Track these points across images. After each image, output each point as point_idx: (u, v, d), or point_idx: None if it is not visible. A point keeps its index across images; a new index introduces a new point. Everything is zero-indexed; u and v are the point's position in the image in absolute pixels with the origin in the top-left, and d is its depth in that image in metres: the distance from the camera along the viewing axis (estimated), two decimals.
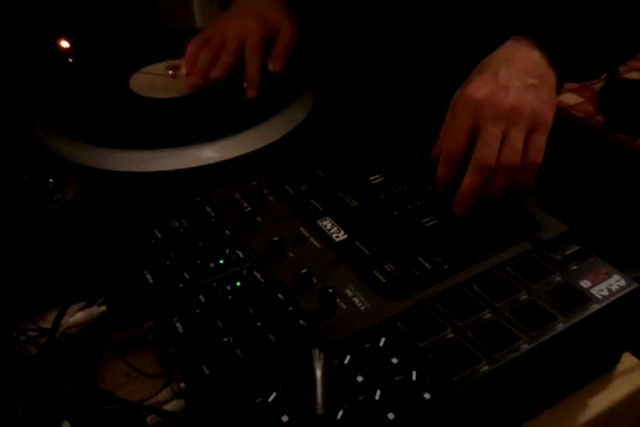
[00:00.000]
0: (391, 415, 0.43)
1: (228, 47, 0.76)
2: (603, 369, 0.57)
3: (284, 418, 0.43)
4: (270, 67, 0.78)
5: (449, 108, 0.61)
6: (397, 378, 0.45)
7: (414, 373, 0.45)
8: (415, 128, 0.73)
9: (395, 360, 0.46)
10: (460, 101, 0.59)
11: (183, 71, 0.79)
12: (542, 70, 0.60)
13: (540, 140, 0.58)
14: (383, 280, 0.53)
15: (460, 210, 0.59)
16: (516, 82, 0.58)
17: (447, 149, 0.59)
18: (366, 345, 0.47)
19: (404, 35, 0.85)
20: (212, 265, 0.55)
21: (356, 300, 0.51)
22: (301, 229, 0.59)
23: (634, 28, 0.65)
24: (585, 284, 0.52)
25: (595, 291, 0.51)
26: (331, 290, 0.50)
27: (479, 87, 0.59)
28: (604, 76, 1.64)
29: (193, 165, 0.69)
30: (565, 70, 0.61)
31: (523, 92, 0.58)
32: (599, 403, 0.55)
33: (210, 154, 0.70)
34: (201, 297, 0.52)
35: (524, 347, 0.47)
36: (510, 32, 0.64)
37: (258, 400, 0.44)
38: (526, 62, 0.60)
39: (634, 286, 0.51)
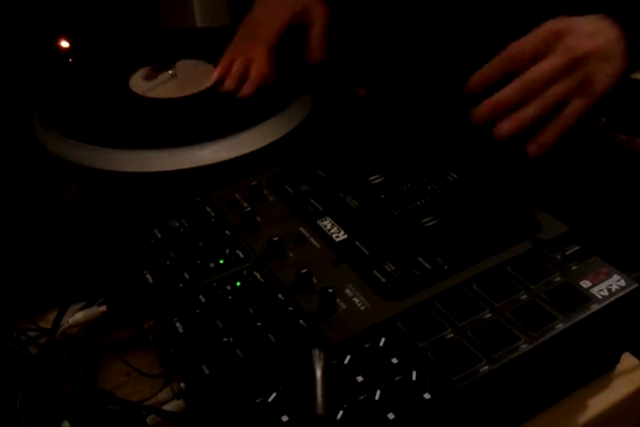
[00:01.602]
0: (391, 415, 0.43)
1: (256, 57, 0.75)
2: (603, 369, 0.57)
3: (284, 418, 0.43)
4: (311, 59, 0.77)
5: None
6: (397, 378, 0.45)
7: (414, 373, 0.45)
8: (415, 128, 0.73)
9: (395, 360, 0.46)
10: (548, 22, 0.58)
11: (214, 77, 0.77)
12: (620, 50, 0.59)
13: (580, 106, 0.57)
14: (383, 280, 0.53)
15: (477, 114, 0.57)
16: (601, 45, 0.57)
17: (509, 50, 0.57)
18: (366, 345, 0.47)
19: (405, 35, 0.85)
20: (212, 265, 0.55)
21: (356, 300, 0.51)
22: (301, 229, 0.59)
23: None
24: (585, 284, 0.52)
25: (595, 291, 0.51)
26: (331, 290, 0.50)
27: (572, 19, 0.58)
28: None
29: (193, 165, 0.69)
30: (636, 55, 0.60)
31: (600, 55, 0.57)
32: (599, 403, 0.55)
33: (210, 154, 0.70)
34: (201, 297, 0.52)
35: (524, 347, 0.47)
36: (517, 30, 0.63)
37: (258, 400, 0.44)
38: (611, 35, 0.59)
39: (634, 286, 0.51)
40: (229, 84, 0.75)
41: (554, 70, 0.56)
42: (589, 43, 0.57)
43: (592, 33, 0.58)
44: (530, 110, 0.57)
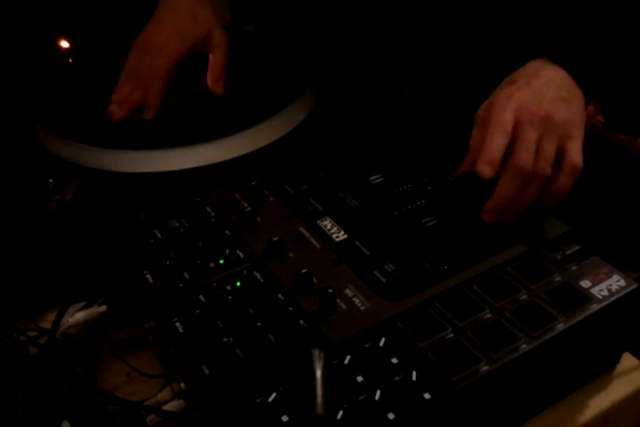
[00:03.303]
0: (391, 415, 0.43)
1: (137, 86, 0.71)
2: (603, 369, 0.57)
3: (284, 418, 0.43)
4: (212, 89, 0.74)
5: (478, 119, 0.59)
6: (397, 378, 0.45)
7: (414, 373, 0.45)
8: (415, 128, 0.73)
9: (395, 360, 0.46)
10: (497, 101, 0.58)
11: (111, 110, 0.72)
12: (570, 85, 0.60)
13: (577, 145, 0.57)
14: (383, 280, 0.53)
15: (490, 216, 0.57)
16: (549, 92, 0.58)
17: (497, 120, 0.56)
18: (366, 345, 0.47)
19: (405, 34, 0.85)
20: (212, 265, 0.55)
21: (356, 300, 0.51)
22: (301, 229, 0.59)
23: None
24: (585, 284, 0.52)
25: (595, 291, 0.51)
26: (331, 290, 0.50)
27: (517, 90, 0.58)
28: None
29: (193, 165, 0.69)
30: (590, 89, 0.61)
31: (555, 102, 0.57)
32: (599, 403, 0.55)
33: (210, 154, 0.70)
34: (201, 297, 0.52)
35: (524, 347, 0.47)
36: (511, 40, 0.63)
37: (258, 400, 0.44)
38: (555, 77, 0.60)
39: (634, 286, 0.51)
40: (123, 113, 0.71)
41: (534, 145, 0.56)
42: (544, 102, 0.57)
43: (541, 89, 0.58)
44: (530, 195, 0.57)
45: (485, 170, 0.55)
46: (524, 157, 0.55)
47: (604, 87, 0.63)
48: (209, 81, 0.74)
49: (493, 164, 0.55)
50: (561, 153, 0.57)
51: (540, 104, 0.57)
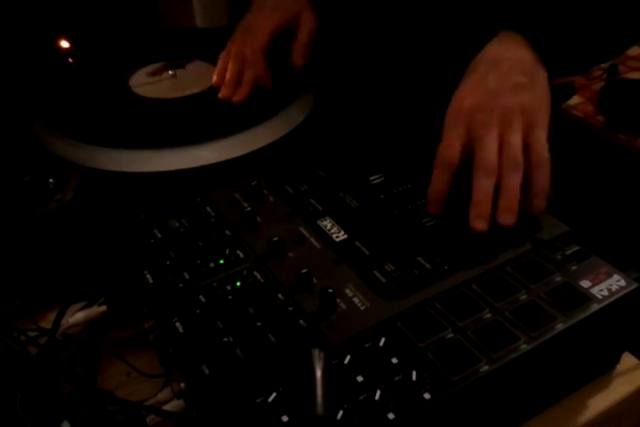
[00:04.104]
0: (391, 415, 0.43)
1: (248, 60, 0.76)
2: (603, 369, 0.57)
3: (284, 418, 0.43)
4: (292, 62, 0.79)
5: (444, 121, 0.59)
6: (397, 378, 0.45)
7: (414, 373, 0.45)
8: (415, 128, 0.73)
9: (395, 360, 0.46)
10: (451, 112, 0.59)
11: (214, 82, 0.78)
12: (531, 67, 0.59)
13: (539, 135, 0.57)
14: (383, 280, 0.53)
15: (479, 224, 0.55)
16: (505, 83, 0.58)
17: (441, 156, 0.57)
18: (366, 345, 0.47)
19: (404, 34, 0.85)
20: (212, 265, 0.55)
21: (356, 300, 0.51)
22: (301, 229, 0.59)
23: (623, 20, 0.63)
24: (585, 284, 0.52)
25: (595, 291, 0.51)
26: (331, 290, 0.50)
27: (468, 94, 0.58)
28: (604, 75, 1.64)
29: (193, 165, 0.69)
30: (554, 64, 0.61)
31: (513, 92, 0.57)
32: (599, 403, 0.55)
33: (210, 154, 0.70)
34: (201, 297, 0.52)
35: (524, 347, 0.47)
36: (497, 27, 0.63)
37: (258, 400, 0.44)
38: (514, 61, 0.59)
39: (634, 286, 0.51)
40: (224, 92, 0.76)
41: (494, 142, 0.56)
42: (500, 96, 0.57)
43: (497, 80, 0.58)
44: (512, 188, 0.56)
45: (438, 178, 0.57)
46: (485, 155, 0.55)
47: (568, 60, 0.62)
48: (291, 55, 0.79)
49: (447, 172, 0.57)
50: (526, 145, 0.56)
51: (496, 98, 0.57)
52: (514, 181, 0.55)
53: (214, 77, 0.77)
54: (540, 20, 0.61)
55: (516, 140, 0.56)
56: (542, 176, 0.56)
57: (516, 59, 0.60)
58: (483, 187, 0.55)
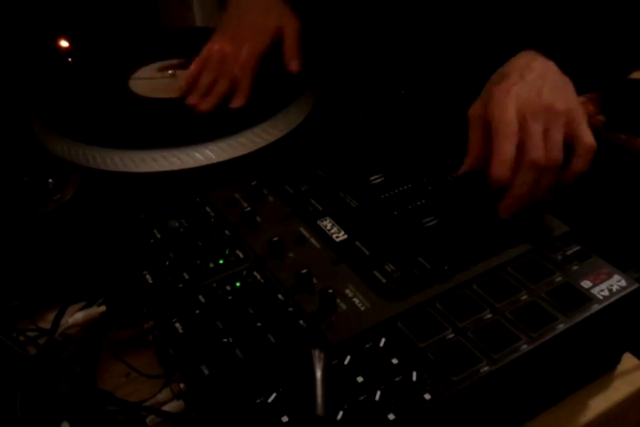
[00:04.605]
0: (391, 416, 0.43)
1: (223, 75, 0.75)
2: (603, 370, 0.57)
3: (284, 418, 0.43)
4: (288, 69, 0.79)
5: (475, 119, 0.59)
6: (398, 378, 0.45)
7: (414, 373, 0.45)
8: (415, 128, 0.73)
9: (395, 361, 0.46)
10: (495, 99, 0.58)
11: (181, 88, 0.76)
12: (560, 74, 0.61)
13: (585, 127, 0.58)
14: (383, 280, 0.53)
15: (508, 213, 0.57)
16: (545, 84, 0.59)
17: (502, 153, 0.56)
18: (366, 346, 0.47)
19: (404, 35, 0.85)
20: (211, 265, 0.55)
21: (356, 300, 0.51)
22: (301, 229, 0.59)
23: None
24: (586, 284, 0.51)
25: (595, 291, 0.51)
26: (331, 290, 0.50)
27: (513, 84, 0.59)
28: None
29: (193, 165, 0.69)
30: (578, 80, 0.61)
31: (554, 92, 0.58)
32: (600, 403, 0.55)
33: (210, 154, 0.70)
34: (201, 297, 0.52)
35: (525, 347, 0.47)
36: (512, 38, 0.64)
37: (258, 401, 0.44)
38: (545, 69, 0.61)
39: (634, 286, 0.51)
40: (193, 100, 0.74)
41: (542, 137, 0.57)
42: (543, 92, 0.58)
43: (536, 80, 0.59)
44: (546, 186, 0.58)
45: (501, 173, 0.56)
46: (536, 153, 0.56)
47: (594, 79, 0.64)
48: (285, 60, 0.79)
49: (509, 167, 0.56)
50: (572, 138, 0.57)
51: (539, 96, 0.58)
52: (550, 179, 0.57)
53: (184, 81, 0.76)
54: (559, 39, 0.63)
55: (559, 138, 0.57)
56: (585, 165, 0.58)
57: (547, 67, 0.61)
58: (526, 183, 0.56)
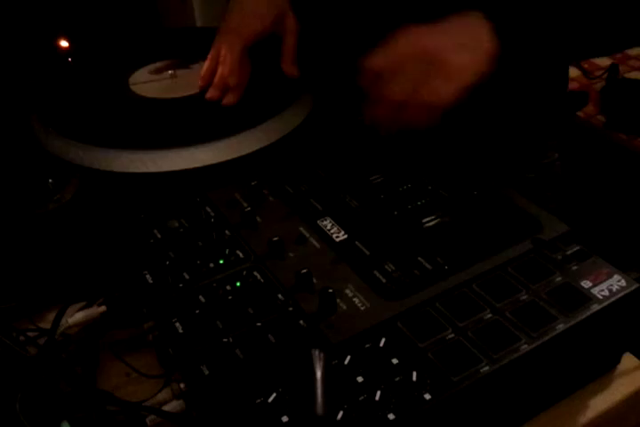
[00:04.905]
0: (391, 416, 0.43)
1: (233, 66, 0.76)
2: (603, 370, 0.57)
3: (284, 418, 0.43)
4: (287, 72, 0.79)
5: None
6: (398, 379, 0.45)
7: (414, 373, 0.45)
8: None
9: (395, 361, 0.46)
10: (388, 41, 0.61)
11: (200, 84, 0.77)
12: (483, 36, 0.59)
13: (443, 87, 0.58)
14: (383, 280, 0.53)
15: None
16: (445, 34, 0.59)
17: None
18: (366, 345, 0.47)
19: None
20: (211, 265, 0.55)
21: (356, 300, 0.51)
22: (301, 229, 0.59)
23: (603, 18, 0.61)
24: (586, 284, 0.51)
25: (595, 291, 0.51)
26: (331, 290, 0.50)
27: (415, 32, 0.60)
28: (605, 75, 1.64)
29: (193, 165, 0.69)
30: (507, 47, 0.59)
31: (444, 40, 0.59)
32: (600, 403, 0.55)
33: (210, 154, 0.70)
34: (201, 297, 0.52)
35: (525, 347, 0.47)
36: None
37: (258, 401, 0.44)
38: (469, 26, 0.59)
39: (635, 286, 0.51)
40: (211, 94, 0.75)
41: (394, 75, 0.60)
42: (433, 39, 0.59)
43: (443, 32, 0.59)
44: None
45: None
46: (388, 87, 0.60)
47: (526, 54, 0.62)
48: (283, 65, 0.79)
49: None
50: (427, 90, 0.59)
51: (429, 39, 0.59)
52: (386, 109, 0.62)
53: (201, 80, 0.77)
54: (507, 9, 0.60)
55: (410, 77, 0.59)
56: (417, 116, 0.61)
57: (476, 27, 0.59)
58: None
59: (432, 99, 0.59)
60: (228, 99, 0.75)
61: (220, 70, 0.75)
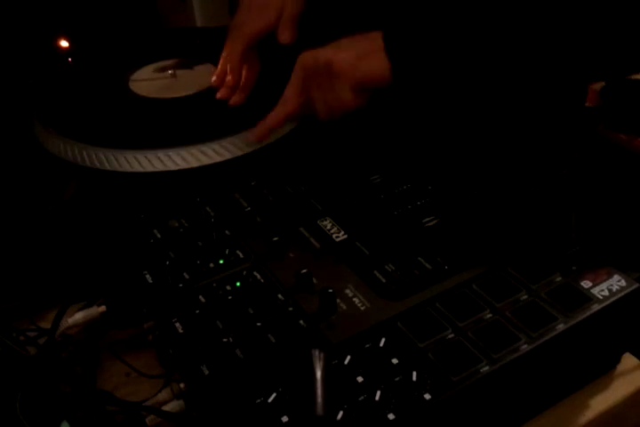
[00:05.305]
0: (391, 416, 0.43)
1: (233, 65, 0.76)
2: (603, 370, 0.57)
3: (284, 419, 0.43)
4: (279, 40, 0.77)
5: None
6: (398, 378, 0.45)
7: (414, 373, 0.45)
8: (415, 128, 0.73)
9: (395, 361, 0.46)
10: (301, 58, 0.66)
11: (214, 82, 0.77)
12: (378, 53, 0.61)
13: (340, 91, 0.63)
14: (383, 280, 0.53)
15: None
16: (344, 50, 0.62)
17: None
18: (366, 345, 0.47)
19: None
20: (211, 265, 0.55)
21: (356, 300, 0.51)
22: (301, 229, 0.59)
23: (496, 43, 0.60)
24: (585, 284, 0.51)
25: (595, 291, 0.51)
26: (331, 290, 0.50)
27: (323, 50, 0.64)
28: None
29: (193, 165, 0.69)
30: (398, 66, 0.61)
31: (340, 54, 0.62)
32: (600, 403, 0.55)
33: (210, 154, 0.70)
34: (201, 297, 0.52)
35: (525, 347, 0.47)
36: None
37: (258, 401, 0.44)
38: (367, 42, 0.62)
39: (634, 286, 0.51)
40: (221, 93, 0.76)
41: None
42: (332, 53, 0.63)
43: (342, 45, 0.63)
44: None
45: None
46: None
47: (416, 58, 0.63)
48: (277, 32, 0.77)
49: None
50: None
51: (327, 53, 0.63)
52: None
53: (214, 78, 0.77)
54: (404, 31, 0.62)
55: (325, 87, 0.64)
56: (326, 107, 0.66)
57: (372, 44, 0.62)
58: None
59: (337, 104, 0.64)
60: (234, 99, 0.75)
61: (231, 70, 0.75)
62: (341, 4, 0.83)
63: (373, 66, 0.62)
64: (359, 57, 0.62)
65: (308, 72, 0.65)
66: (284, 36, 0.76)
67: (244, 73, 0.76)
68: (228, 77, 0.75)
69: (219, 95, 0.75)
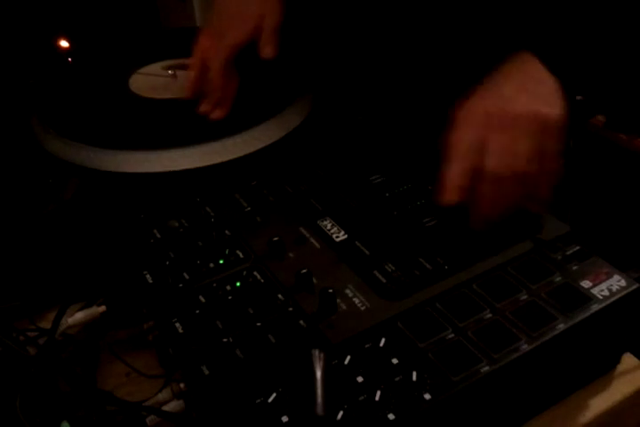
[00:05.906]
0: (391, 416, 0.43)
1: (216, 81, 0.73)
2: (603, 370, 0.57)
3: (284, 419, 0.43)
4: (261, 55, 0.74)
5: (453, 121, 0.57)
6: (397, 379, 0.45)
7: (414, 373, 0.45)
8: (415, 128, 0.73)
9: (395, 361, 0.46)
10: (463, 114, 0.57)
11: (186, 95, 0.75)
12: (545, 78, 0.58)
13: (551, 146, 0.55)
14: (383, 280, 0.53)
15: (478, 226, 0.56)
16: (520, 92, 0.56)
17: (446, 176, 0.55)
18: (366, 346, 0.47)
19: (404, 36, 0.85)
20: (211, 265, 0.55)
21: (356, 300, 0.51)
22: (301, 229, 0.59)
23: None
24: (585, 284, 0.51)
25: (595, 291, 0.51)
26: (331, 290, 0.50)
27: (483, 98, 0.57)
28: None
29: (193, 165, 0.69)
30: (569, 82, 0.58)
31: (527, 100, 0.56)
32: (600, 403, 0.55)
33: (210, 154, 0.70)
34: (201, 297, 0.52)
35: (525, 347, 0.47)
36: (509, 41, 0.62)
37: (258, 401, 0.44)
38: (529, 73, 0.58)
39: (634, 286, 0.51)
40: (204, 108, 0.74)
41: (505, 148, 0.55)
42: (515, 102, 0.55)
43: (512, 88, 0.56)
44: (514, 195, 0.56)
45: (446, 200, 0.55)
46: (493, 161, 0.54)
47: (586, 83, 0.60)
48: (258, 47, 0.74)
49: (455, 192, 0.55)
50: (540, 153, 0.55)
51: (510, 104, 0.55)
52: (517, 192, 0.55)
53: (190, 87, 0.74)
54: (552, 40, 0.60)
55: (527, 147, 0.55)
56: (543, 187, 0.56)
57: (531, 70, 0.58)
58: (489, 194, 0.55)
59: (550, 163, 0.56)
60: (216, 114, 0.73)
61: (206, 84, 0.73)
62: (318, 11, 0.82)
63: (550, 94, 0.56)
64: (534, 91, 0.56)
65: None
66: (267, 51, 0.74)
67: (223, 85, 0.73)
68: (212, 93, 0.73)
69: (201, 109, 0.73)
